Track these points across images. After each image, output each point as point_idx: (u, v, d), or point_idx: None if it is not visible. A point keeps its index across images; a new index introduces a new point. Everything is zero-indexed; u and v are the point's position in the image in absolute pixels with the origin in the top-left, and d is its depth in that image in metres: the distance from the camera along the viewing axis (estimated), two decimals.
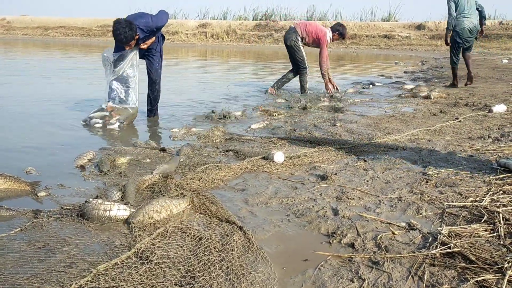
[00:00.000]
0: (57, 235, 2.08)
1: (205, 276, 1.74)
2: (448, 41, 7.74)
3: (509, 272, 1.74)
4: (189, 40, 24.88)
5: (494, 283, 1.71)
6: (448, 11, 7.42)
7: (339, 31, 6.96)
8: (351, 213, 2.40)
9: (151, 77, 4.86)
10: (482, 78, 9.28)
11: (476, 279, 1.74)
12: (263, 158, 3.34)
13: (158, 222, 2.24)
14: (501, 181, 2.82)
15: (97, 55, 4.79)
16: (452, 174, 3.04)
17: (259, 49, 21.73)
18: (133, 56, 4.53)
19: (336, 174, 3.05)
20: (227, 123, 4.77)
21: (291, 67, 7.20)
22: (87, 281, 1.68)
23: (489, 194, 2.60)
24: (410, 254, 1.96)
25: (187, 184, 2.76)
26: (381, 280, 1.77)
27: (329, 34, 6.87)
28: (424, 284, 1.74)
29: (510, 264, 1.80)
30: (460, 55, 7.68)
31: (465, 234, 2.13)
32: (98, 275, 1.72)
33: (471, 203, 2.49)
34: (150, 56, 4.80)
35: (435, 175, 3.03)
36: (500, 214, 2.28)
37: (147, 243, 1.98)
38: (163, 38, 4.97)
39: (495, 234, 2.12)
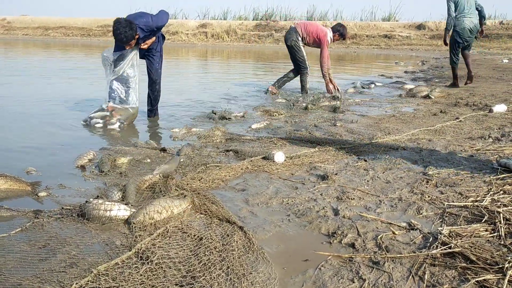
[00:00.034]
0: (57, 235, 2.08)
1: (205, 276, 1.74)
2: (447, 41, 7.76)
3: (509, 272, 1.74)
4: (190, 40, 24.88)
5: (494, 283, 1.71)
6: (447, 11, 7.42)
7: (339, 31, 6.96)
8: (351, 213, 2.40)
9: (151, 77, 4.86)
10: (483, 78, 9.27)
11: (476, 279, 1.74)
12: (264, 158, 3.34)
13: (158, 222, 2.24)
14: (502, 181, 2.82)
15: (97, 55, 4.80)
16: (453, 174, 3.04)
17: (260, 49, 21.73)
18: (133, 56, 4.53)
19: (336, 174, 3.05)
20: (227, 123, 4.77)
21: (292, 67, 7.20)
22: (88, 281, 1.68)
23: (489, 194, 2.60)
24: (410, 254, 1.96)
25: (187, 184, 2.76)
26: (381, 280, 1.77)
27: (329, 34, 6.87)
28: (425, 284, 1.74)
29: (510, 264, 1.80)
30: (460, 55, 7.68)
31: (465, 234, 2.12)
32: (99, 275, 1.72)
33: (471, 203, 2.49)
34: (150, 56, 4.80)
35: (436, 175, 3.02)
36: (501, 214, 2.28)
37: (148, 243, 1.98)
38: (163, 38, 4.97)
39: (495, 234, 2.11)
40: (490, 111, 5.32)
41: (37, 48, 19.19)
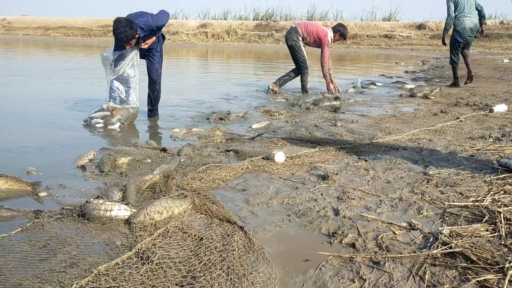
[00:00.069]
0: (58, 235, 2.08)
1: (206, 276, 1.74)
2: (446, 42, 7.79)
3: (510, 272, 1.74)
4: (190, 40, 24.89)
5: (495, 283, 1.71)
6: (447, 11, 7.43)
7: (340, 31, 6.96)
8: (352, 213, 2.40)
9: (152, 77, 4.86)
10: (483, 78, 9.27)
11: (477, 279, 1.74)
12: (264, 158, 3.34)
13: (159, 222, 2.24)
14: (502, 181, 2.82)
15: (97, 55, 4.79)
16: (453, 174, 3.03)
17: (260, 49, 21.73)
18: (133, 56, 4.53)
19: (337, 174, 3.05)
20: (227, 123, 4.77)
21: (293, 66, 7.20)
22: (88, 281, 1.68)
23: (490, 194, 2.60)
24: (411, 254, 1.96)
25: (188, 184, 2.76)
26: (382, 280, 1.77)
27: (330, 34, 6.87)
28: (425, 284, 1.74)
29: (511, 264, 1.80)
30: (459, 54, 7.69)
31: (466, 234, 2.12)
32: (99, 275, 1.72)
33: (472, 203, 2.49)
34: (151, 56, 4.80)
35: (436, 175, 3.02)
36: (501, 214, 2.28)
37: (148, 243, 1.98)
38: (164, 37, 4.97)
39: (496, 234, 2.11)
40: (491, 111, 5.32)
41: (38, 48, 19.20)
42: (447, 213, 2.40)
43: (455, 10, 7.38)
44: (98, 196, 2.53)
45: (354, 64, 14.63)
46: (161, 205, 2.30)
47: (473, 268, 1.82)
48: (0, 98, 6.13)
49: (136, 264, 1.82)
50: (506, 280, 1.70)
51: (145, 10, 4.62)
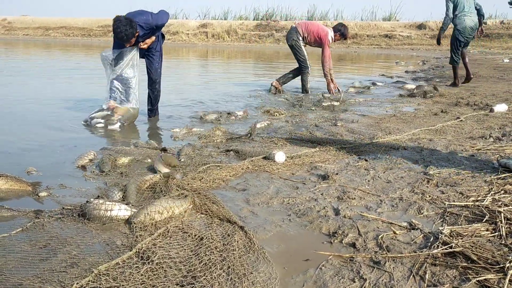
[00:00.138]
0: (58, 235, 2.08)
1: (206, 276, 1.74)
2: (441, 41, 7.82)
3: (510, 272, 1.74)
4: (190, 40, 24.89)
5: (495, 283, 1.71)
6: (446, 11, 7.43)
7: (340, 31, 6.96)
8: (352, 213, 2.40)
9: (151, 76, 4.86)
10: (483, 78, 9.27)
11: (477, 279, 1.74)
12: (264, 158, 3.34)
13: (159, 222, 2.24)
14: (503, 181, 2.82)
15: (98, 55, 4.80)
16: (454, 173, 3.03)
17: (260, 49, 21.73)
18: (133, 56, 4.53)
19: (337, 173, 3.05)
20: (228, 123, 4.77)
21: (296, 65, 7.21)
22: (88, 281, 1.68)
23: (490, 194, 2.60)
24: (411, 254, 1.95)
25: (188, 184, 2.76)
26: (382, 280, 1.77)
27: (331, 34, 6.87)
28: (426, 284, 1.74)
29: (511, 263, 1.79)
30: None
31: (466, 233, 2.12)
32: (100, 275, 1.72)
33: (472, 203, 2.49)
34: (150, 56, 4.80)
35: (437, 174, 3.02)
36: (502, 214, 2.28)
37: (148, 243, 1.98)
38: (163, 37, 4.97)
39: (496, 233, 2.11)
40: (491, 110, 5.32)
41: (38, 48, 19.20)
42: (448, 212, 2.40)
43: (455, 10, 7.39)
44: (98, 196, 2.53)
45: (354, 64, 14.63)
46: (162, 205, 2.30)
47: (474, 267, 1.82)
48: (0, 98, 6.13)
49: (136, 264, 1.82)
50: (507, 280, 1.70)
51: (145, 9, 4.62)
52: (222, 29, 25.33)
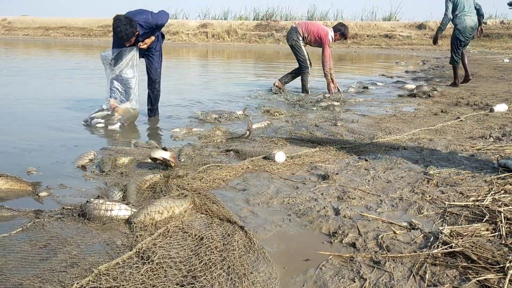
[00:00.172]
0: (58, 235, 2.08)
1: (206, 276, 1.74)
2: (438, 41, 7.84)
3: (511, 272, 1.74)
4: (190, 40, 24.89)
5: (495, 283, 1.71)
6: (445, 11, 7.42)
7: (341, 31, 6.96)
8: (352, 213, 2.40)
9: (151, 76, 4.85)
10: (483, 78, 9.27)
11: (477, 279, 1.74)
12: (264, 158, 3.34)
13: (159, 222, 2.24)
14: (503, 181, 2.82)
15: (98, 55, 4.81)
16: (454, 173, 3.03)
17: (260, 49, 21.73)
18: (132, 56, 4.53)
19: (337, 173, 3.05)
20: (228, 123, 4.77)
21: (297, 65, 7.23)
22: (89, 281, 1.68)
23: (490, 194, 2.60)
24: (411, 254, 1.95)
25: (188, 184, 2.76)
26: (382, 280, 1.77)
27: (331, 33, 6.87)
28: (426, 284, 1.74)
29: (511, 263, 1.79)
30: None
31: (466, 233, 2.12)
32: (100, 275, 1.72)
33: (472, 203, 2.49)
34: (150, 56, 4.79)
35: (437, 174, 3.02)
36: (502, 214, 2.28)
37: (149, 243, 1.98)
38: (163, 37, 4.96)
39: (496, 233, 2.11)
40: (491, 110, 5.32)
41: (38, 48, 19.21)
42: (448, 212, 2.40)
43: (455, 9, 7.39)
44: (98, 196, 2.53)
45: (355, 64, 14.62)
46: (162, 205, 2.30)
47: (474, 267, 1.82)
48: (0, 98, 6.13)
49: (136, 263, 1.82)
50: (507, 280, 1.70)
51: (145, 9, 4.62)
52: (222, 29, 25.33)
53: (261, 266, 1.85)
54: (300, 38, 6.90)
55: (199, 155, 3.46)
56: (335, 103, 5.96)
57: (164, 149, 3.56)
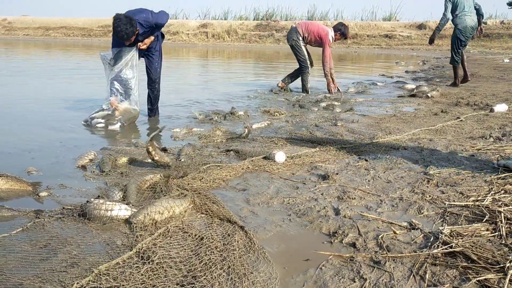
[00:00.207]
0: (58, 235, 2.08)
1: (206, 276, 1.74)
2: (434, 41, 7.84)
3: (511, 272, 1.74)
4: (190, 40, 24.89)
5: (496, 283, 1.71)
6: (444, 11, 7.42)
7: (341, 30, 6.96)
8: (352, 213, 2.40)
9: (151, 76, 4.85)
10: (484, 78, 9.27)
11: (477, 279, 1.74)
12: (264, 158, 3.34)
13: (159, 222, 2.24)
14: (503, 181, 2.82)
15: (98, 55, 4.81)
16: (454, 173, 3.03)
17: (260, 49, 21.73)
18: (132, 56, 4.52)
19: (337, 173, 3.05)
20: (228, 123, 4.77)
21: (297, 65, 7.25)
22: (89, 281, 1.68)
23: (490, 194, 2.60)
24: (411, 254, 1.95)
25: (188, 184, 2.76)
26: (382, 280, 1.77)
27: (331, 33, 6.87)
28: (426, 284, 1.74)
29: (511, 263, 1.80)
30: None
31: (466, 233, 2.12)
32: (100, 275, 1.72)
33: (472, 203, 2.49)
34: (150, 56, 4.79)
35: (437, 174, 3.02)
36: (502, 214, 2.28)
37: (149, 243, 1.98)
38: (163, 36, 4.96)
39: (496, 233, 2.11)
40: (491, 110, 5.32)
41: (38, 48, 19.21)
42: (448, 212, 2.40)
43: (455, 9, 7.38)
44: (98, 196, 2.53)
45: (355, 64, 14.62)
46: (162, 205, 2.30)
47: (474, 267, 1.82)
48: (0, 98, 6.13)
49: (136, 263, 1.82)
50: (507, 280, 1.70)
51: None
52: (222, 29, 25.33)
53: (261, 266, 1.85)
54: (300, 38, 6.90)
55: (199, 155, 3.46)
56: (335, 103, 5.96)
57: (164, 149, 3.57)
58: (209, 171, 3.01)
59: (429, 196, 2.64)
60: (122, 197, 2.54)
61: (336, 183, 2.88)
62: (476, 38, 8.76)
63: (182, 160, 3.31)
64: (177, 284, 1.70)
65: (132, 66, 4.55)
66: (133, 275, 1.73)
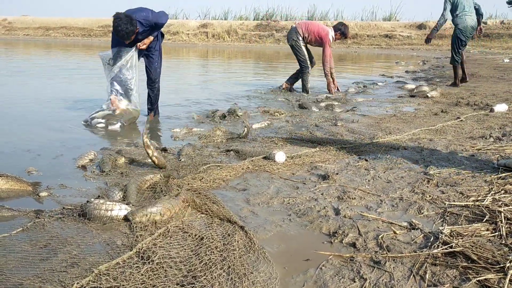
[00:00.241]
0: (58, 235, 2.08)
1: (206, 276, 1.74)
2: (431, 40, 7.84)
3: (511, 272, 1.74)
4: (190, 40, 24.88)
5: (496, 283, 1.71)
6: (443, 11, 7.41)
7: (341, 30, 6.96)
8: (352, 213, 2.40)
9: (150, 76, 4.85)
10: (484, 78, 9.27)
11: (478, 279, 1.74)
12: (264, 158, 3.34)
13: (159, 222, 2.24)
14: (503, 181, 2.82)
15: (98, 55, 4.82)
16: (454, 173, 3.03)
17: (260, 49, 21.73)
18: (132, 57, 4.52)
19: (337, 173, 3.05)
20: (228, 123, 4.77)
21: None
22: (89, 281, 1.68)
23: (490, 194, 2.60)
24: (411, 254, 1.95)
25: (188, 184, 2.76)
26: (382, 280, 1.77)
27: (331, 33, 6.87)
28: (426, 284, 1.74)
29: (511, 263, 1.80)
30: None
31: (466, 233, 2.12)
32: (100, 275, 1.72)
33: (472, 203, 2.49)
34: (150, 55, 4.79)
35: (437, 174, 3.02)
36: (502, 214, 2.28)
37: (149, 243, 1.98)
38: (162, 36, 4.96)
39: (496, 233, 2.11)
40: (491, 110, 5.31)
41: (38, 49, 19.21)
42: (448, 212, 2.40)
43: (456, 9, 7.38)
44: (98, 196, 2.53)
45: (355, 64, 14.62)
46: (156, 209, 2.26)
47: (474, 267, 1.82)
48: (0, 98, 6.13)
49: (136, 263, 1.82)
50: (507, 280, 1.70)
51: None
52: (222, 29, 25.33)
53: (261, 266, 1.85)
54: (300, 38, 6.90)
55: (199, 155, 3.46)
56: (335, 103, 5.96)
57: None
58: (209, 171, 3.01)
59: (429, 196, 2.64)
60: (122, 197, 2.54)
61: (336, 183, 2.88)
62: (476, 38, 8.73)
63: (182, 160, 3.31)
64: (177, 284, 1.70)
65: (132, 67, 4.54)
66: (133, 275, 1.73)
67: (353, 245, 2.06)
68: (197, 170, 3.03)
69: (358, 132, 4.31)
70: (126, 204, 2.36)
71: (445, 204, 2.51)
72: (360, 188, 2.78)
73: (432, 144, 3.83)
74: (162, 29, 4.81)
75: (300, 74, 7.13)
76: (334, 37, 6.92)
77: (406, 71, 11.29)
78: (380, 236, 2.11)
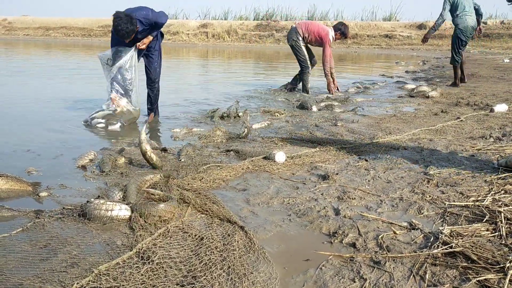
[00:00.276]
0: (58, 235, 2.08)
1: (206, 276, 1.74)
2: (427, 40, 7.84)
3: (511, 272, 1.74)
4: (190, 40, 24.88)
5: (496, 283, 1.71)
6: (442, 11, 7.40)
7: (341, 30, 6.96)
8: (352, 213, 2.40)
9: (150, 76, 4.85)
10: (484, 78, 9.26)
11: (477, 279, 1.74)
12: (264, 158, 3.34)
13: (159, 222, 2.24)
14: (503, 181, 2.82)
15: (97, 56, 4.82)
16: (454, 173, 3.03)
17: (260, 49, 21.73)
18: (131, 57, 4.52)
19: (337, 174, 3.05)
20: (228, 123, 4.77)
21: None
22: (89, 281, 1.68)
23: (490, 194, 2.60)
24: (411, 254, 1.95)
25: (188, 184, 2.75)
26: (382, 280, 1.77)
27: (331, 33, 6.87)
28: (426, 284, 1.74)
29: (511, 263, 1.80)
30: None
31: (466, 233, 2.12)
32: (100, 275, 1.72)
33: (472, 203, 2.49)
34: (149, 55, 4.79)
35: (437, 174, 3.02)
36: (502, 214, 2.28)
37: (149, 243, 1.99)
38: (162, 36, 4.96)
39: (496, 233, 2.11)
40: (491, 110, 5.31)
41: (38, 49, 19.21)
42: (448, 212, 2.40)
43: (456, 10, 7.38)
44: (98, 196, 2.53)
45: (355, 64, 14.62)
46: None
47: (474, 267, 1.82)
48: (0, 98, 6.13)
49: (136, 264, 1.82)
50: (507, 280, 1.70)
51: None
52: (222, 29, 25.32)
53: (261, 266, 1.85)
54: (300, 38, 6.90)
55: (199, 155, 3.46)
56: (335, 103, 5.96)
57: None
58: (209, 171, 3.01)
59: (429, 196, 2.64)
60: (122, 197, 2.54)
61: (336, 183, 2.88)
62: (475, 38, 8.73)
63: (182, 160, 3.31)
64: (177, 284, 1.70)
65: (131, 67, 4.54)
66: (133, 275, 1.73)
67: (353, 245, 2.06)
68: (197, 170, 3.03)
69: (358, 132, 4.31)
70: (126, 204, 2.36)
71: (445, 204, 2.51)
72: (360, 188, 2.78)
73: (432, 144, 3.83)
74: (162, 29, 4.80)
75: (300, 74, 7.13)
76: (334, 37, 6.92)
77: (406, 71, 11.28)
78: (380, 236, 2.11)
